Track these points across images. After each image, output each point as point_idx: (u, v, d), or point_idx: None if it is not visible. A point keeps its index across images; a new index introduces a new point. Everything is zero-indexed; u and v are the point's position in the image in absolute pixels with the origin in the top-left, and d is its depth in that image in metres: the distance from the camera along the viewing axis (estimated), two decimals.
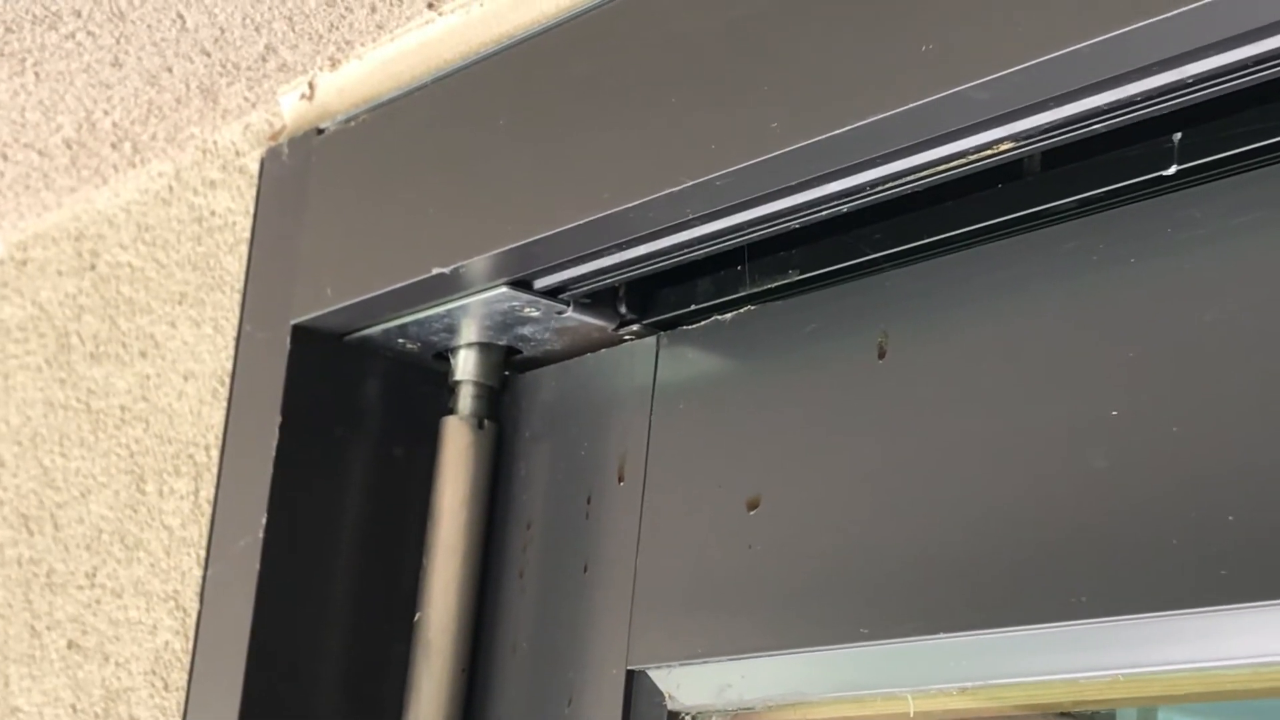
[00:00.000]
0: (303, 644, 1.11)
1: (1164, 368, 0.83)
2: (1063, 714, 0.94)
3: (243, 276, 1.20)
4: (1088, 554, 0.83)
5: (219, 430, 1.19)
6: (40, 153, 1.32)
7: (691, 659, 1.00)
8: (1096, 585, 0.82)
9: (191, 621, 1.16)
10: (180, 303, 1.26)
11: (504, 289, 1.05)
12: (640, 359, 1.08)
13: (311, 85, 1.19)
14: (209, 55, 1.17)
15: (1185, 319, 0.82)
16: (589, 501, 1.09)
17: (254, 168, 1.22)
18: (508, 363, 1.15)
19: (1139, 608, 0.80)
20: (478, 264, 1.03)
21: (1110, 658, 0.83)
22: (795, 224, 0.94)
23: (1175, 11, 0.73)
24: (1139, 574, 0.81)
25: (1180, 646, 0.81)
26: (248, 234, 1.21)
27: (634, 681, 1.03)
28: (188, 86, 1.21)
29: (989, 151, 0.85)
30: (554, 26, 1.02)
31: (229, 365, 1.19)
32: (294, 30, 1.13)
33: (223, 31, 1.14)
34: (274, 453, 1.11)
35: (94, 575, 1.28)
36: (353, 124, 1.14)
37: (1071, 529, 0.84)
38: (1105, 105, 0.80)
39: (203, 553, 1.16)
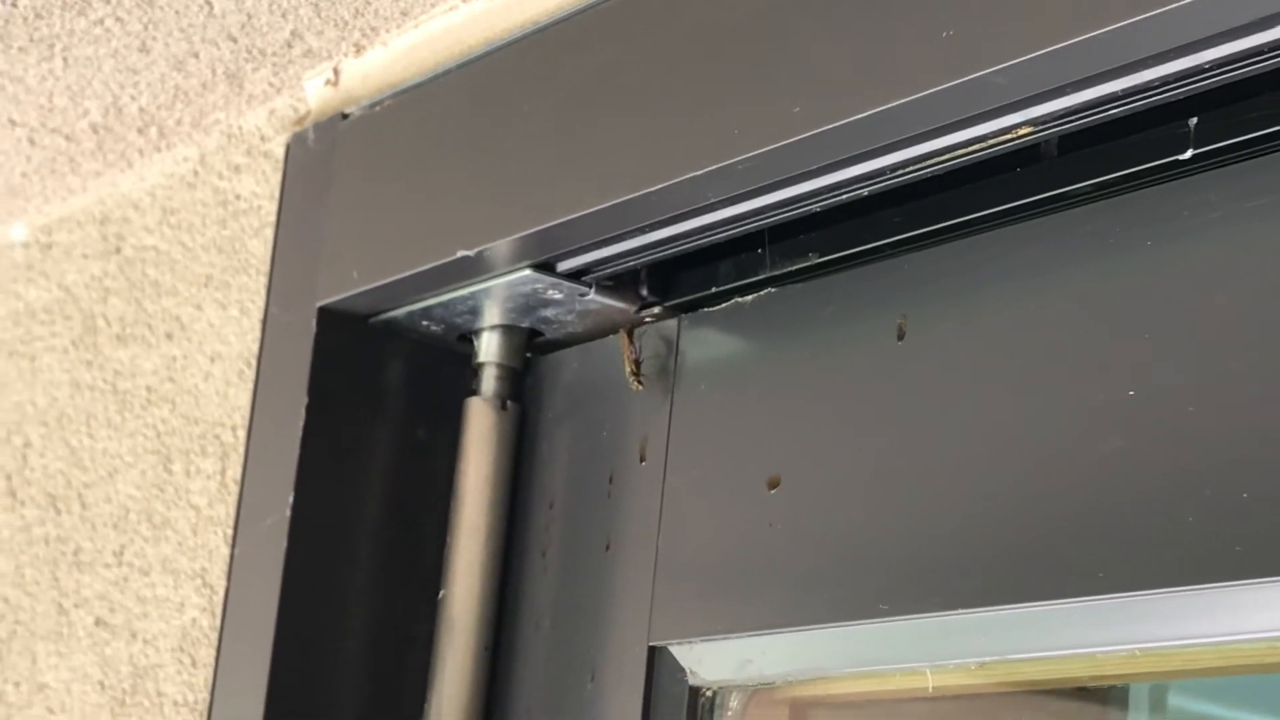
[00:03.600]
0: (329, 621, 1.12)
1: (1180, 349, 0.84)
2: (1080, 688, 0.96)
3: (268, 260, 1.22)
4: (1106, 532, 0.84)
5: (245, 411, 1.20)
6: (67, 137, 1.34)
7: (712, 635, 1.01)
8: (1115, 562, 0.83)
9: (218, 599, 1.18)
10: (206, 285, 1.28)
11: (527, 272, 1.06)
12: (661, 341, 1.09)
13: (336, 71, 1.20)
14: (235, 41, 1.18)
15: (1201, 301, 0.84)
16: (611, 481, 1.10)
17: (279, 152, 1.24)
18: (530, 345, 1.17)
19: (1156, 583, 0.82)
20: (501, 247, 1.05)
21: (1128, 633, 0.85)
22: (816, 207, 0.95)
23: None
24: (1156, 551, 0.82)
25: (1197, 621, 0.82)
26: (273, 218, 1.23)
27: (656, 658, 1.04)
28: (214, 72, 1.22)
29: (1008, 136, 0.86)
30: (578, 12, 1.03)
31: (254, 347, 1.21)
32: (320, 16, 1.15)
33: (249, 18, 1.15)
34: (300, 433, 1.13)
35: (121, 554, 1.29)
36: (378, 109, 1.16)
37: (1090, 507, 0.85)
38: (1123, 90, 0.81)
39: (230, 531, 1.18)
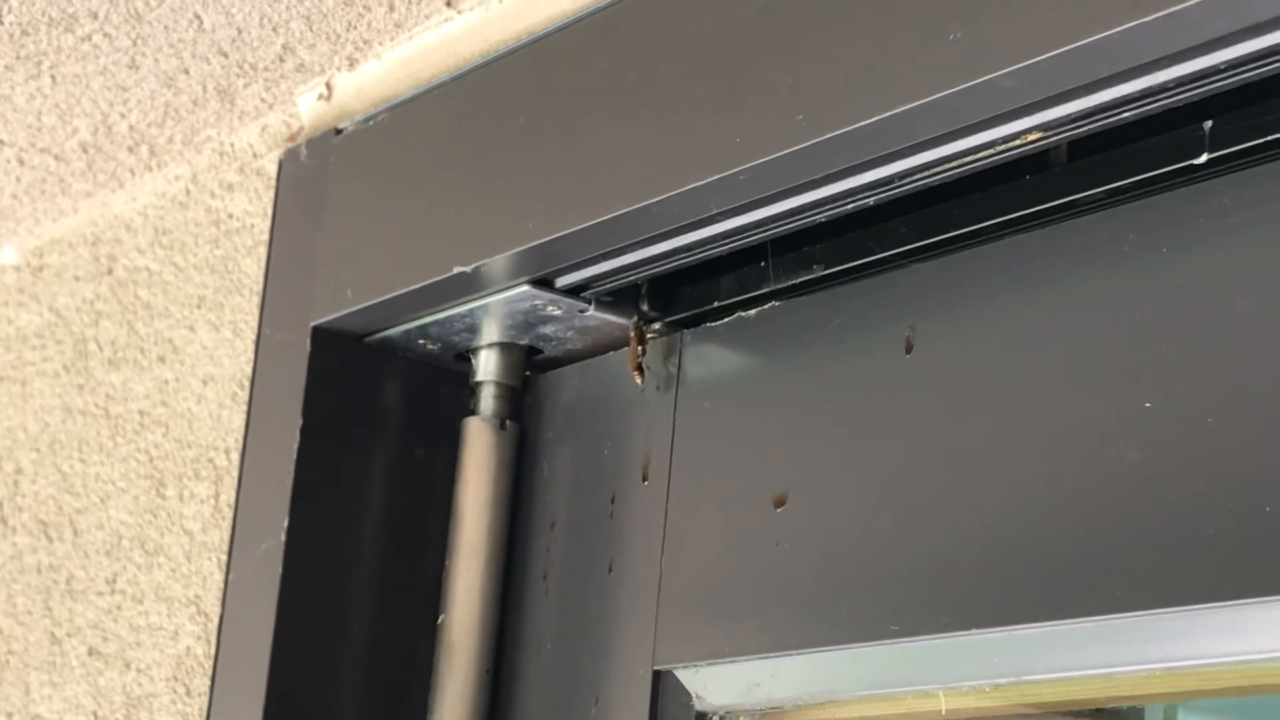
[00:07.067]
0: (326, 647, 1.10)
1: (1197, 359, 0.82)
2: (1096, 710, 0.94)
3: (261, 279, 1.20)
4: (1123, 548, 0.82)
5: (239, 434, 1.18)
6: (56, 157, 1.31)
7: (719, 658, 0.99)
8: (1132, 579, 0.81)
9: (213, 626, 1.15)
10: (199, 306, 1.26)
11: (525, 288, 1.04)
12: (663, 357, 1.07)
13: (329, 85, 1.18)
14: (226, 56, 1.16)
15: (1218, 309, 0.82)
16: (613, 501, 1.08)
17: (272, 169, 1.22)
18: (529, 363, 1.15)
19: (1176, 601, 0.79)
20: (499, 263, 1.03)
21: (1146, 652, 0.82)
22: (820, 218, 0.93)
23: None
24: (1175, 567, 0.80)
25: (1216, 640, 0.80)
26: (266, 236, 1.21)
27: (661, 681, 1.02)
28: (205, 88, 1.20)
29: (1017, 142, 0.84)
30: (573, 22, 1.01)
31: (248, 368, 1.19)
32: (312, 30, 1.13)
33: (240, 32, 1.13)
34: (295, 455, 1.11)
35: (114, 581, 1.27)
36: (371, 124, 1.14)
37: (1106, 522, 0.83)
38: (1136, 93, 0.79)
39: (224, 557, 1.16)
